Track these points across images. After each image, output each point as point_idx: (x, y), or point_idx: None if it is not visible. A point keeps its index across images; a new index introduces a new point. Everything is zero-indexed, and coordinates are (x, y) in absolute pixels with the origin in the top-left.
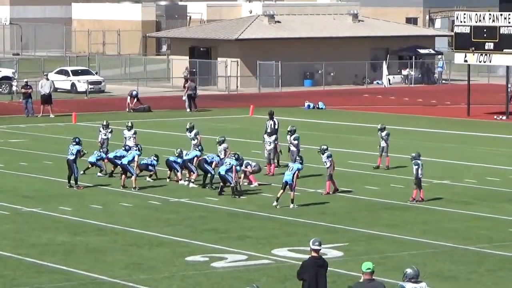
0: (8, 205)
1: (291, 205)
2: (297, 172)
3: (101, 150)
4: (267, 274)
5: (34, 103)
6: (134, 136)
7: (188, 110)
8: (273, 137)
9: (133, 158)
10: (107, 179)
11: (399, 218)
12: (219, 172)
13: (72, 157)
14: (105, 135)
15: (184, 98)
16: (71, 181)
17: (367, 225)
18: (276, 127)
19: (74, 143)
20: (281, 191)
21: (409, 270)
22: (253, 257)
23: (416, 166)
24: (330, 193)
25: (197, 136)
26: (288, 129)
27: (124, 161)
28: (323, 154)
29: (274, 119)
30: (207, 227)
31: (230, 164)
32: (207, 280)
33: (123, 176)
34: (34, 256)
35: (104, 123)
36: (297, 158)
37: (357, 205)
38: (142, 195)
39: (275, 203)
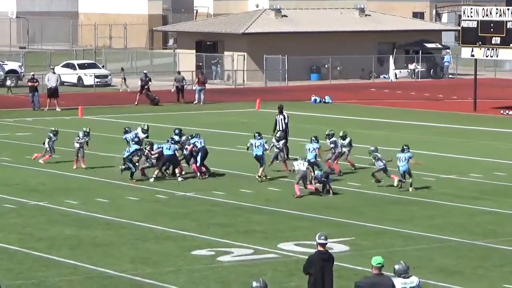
0: (15, 198)
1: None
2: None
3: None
4: (273, 268)
5: (40, 97)
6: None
7: (193, 101)
8: (282, 141)
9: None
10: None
11: (405, 213)
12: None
13: (127, 155)
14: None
15: (172, 90)
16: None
17: (373, 220)
18: (286, 121)
19: (133, 142)
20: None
21: (397, 266)
22: (259, 251)
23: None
24: (341, 174)
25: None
26: (327, 133)
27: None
28: (329, 139)
29: (284, 114)
30: (213, 221)
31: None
32: (213, 274)
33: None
34: (41, 249)
35: (86, 129)
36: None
37: (364, 200)
38: (149, 189)
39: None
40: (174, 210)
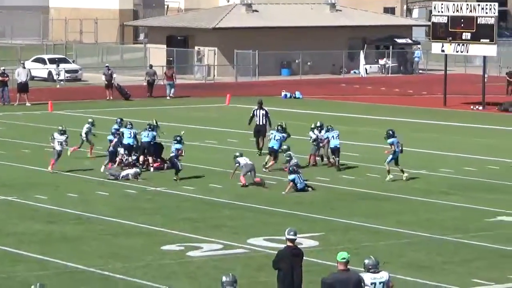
0: None
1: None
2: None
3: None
4: (243, 263)
5: (10, 92)
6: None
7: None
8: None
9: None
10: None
11: (375, 208)
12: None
13: (172, 155)
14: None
15: (145, 83)
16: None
17: (343, 215)
18: (269, 115)
19: (176, 141)
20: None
21: (367, 261)
22: (229, 246)
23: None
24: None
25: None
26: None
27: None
28: (320, 132)
29: (265, 109)
30: (183, 216)
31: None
32: (182, 269)
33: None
34: (10, 245)
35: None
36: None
37: (334, 195)
38: (119, 184)
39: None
40: (144, 205)
